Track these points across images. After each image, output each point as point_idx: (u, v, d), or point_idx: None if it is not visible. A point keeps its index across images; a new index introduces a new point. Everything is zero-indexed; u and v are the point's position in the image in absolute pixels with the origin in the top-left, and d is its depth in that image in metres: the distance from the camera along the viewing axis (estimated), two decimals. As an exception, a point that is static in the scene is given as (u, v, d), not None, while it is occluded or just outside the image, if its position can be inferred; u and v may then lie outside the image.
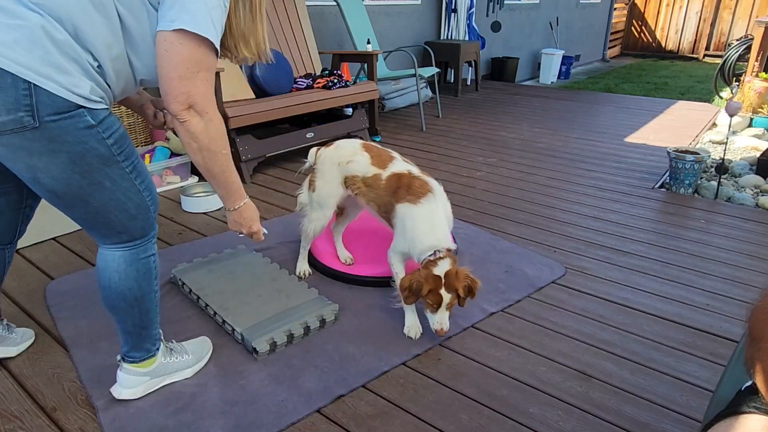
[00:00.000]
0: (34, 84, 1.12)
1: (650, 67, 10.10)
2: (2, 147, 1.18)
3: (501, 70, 7.43)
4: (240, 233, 1.63)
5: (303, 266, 2.32)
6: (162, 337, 1.64)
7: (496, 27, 7.09)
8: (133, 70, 1.31)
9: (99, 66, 1.23)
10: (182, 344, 1.71)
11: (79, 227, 2.66)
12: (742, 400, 0.78)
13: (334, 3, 4.62)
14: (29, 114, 1.14)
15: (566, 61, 8.29)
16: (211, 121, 1.33)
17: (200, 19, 1.22)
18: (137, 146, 3.47)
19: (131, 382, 1.57)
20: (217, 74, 3.08)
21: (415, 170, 2.02)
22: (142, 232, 1.42)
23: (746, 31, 10.19)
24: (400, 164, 2.03)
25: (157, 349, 1.59)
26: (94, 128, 1.22)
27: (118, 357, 1.58)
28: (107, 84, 1.27)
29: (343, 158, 2.08)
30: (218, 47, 1.28)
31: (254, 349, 1.76)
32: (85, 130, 1.21)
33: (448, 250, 1.84)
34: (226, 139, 1.39)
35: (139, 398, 1.58)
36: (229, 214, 1.57)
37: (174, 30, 1.21)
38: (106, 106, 1.27)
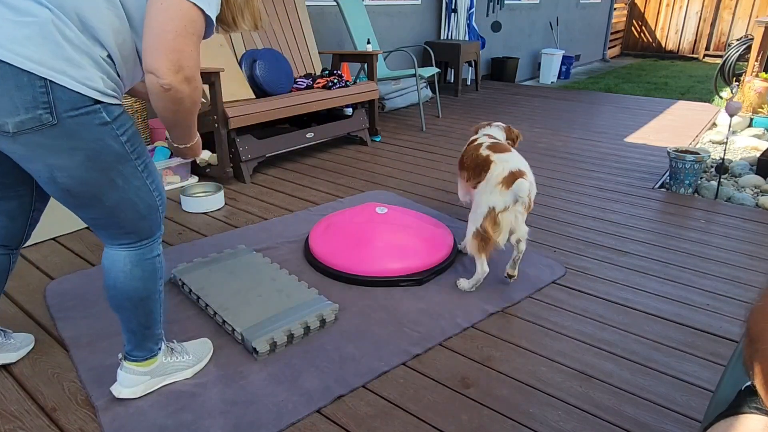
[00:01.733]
0: (50, 80, 1.13)
1: (650, 67, 10.10)
2: (22, 146, 1.18)
3: (501, 70, 7.43)
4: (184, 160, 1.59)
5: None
6: (163, 337, 1.64)
7: (496, 27, 7.09)
8: (138, 54, 1.31)
9: (108, 56, 1.23)
10: (183, 344, 1.71)
11: (80, 227, 2.68)
12: (742, 401, 0.78)
13: (334, 3, 4.62)
14: (47, 111, 1.14)
15: (566, 61, 8.29)
16: (197, 89, 1.29)
17: None
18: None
19: (131, 381, 1.57)
20: (217, 74, 3.08)
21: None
22: (150, 233, 1.43)
23: (746, 31, 10.20)
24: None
25: (159, 348, 1.60)
26: (108, 125, 1.23)
27: (120, 356, 1.58)
28: (117, 74, 1.27)
29: None
30: (213, 19, 1.26)
31: (254, 349, 1.76)
32: (101, 126, 1.22)
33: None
34: None
35: (138, 398, 1.58)
36: (180, 148, 1.48)
37: None
38: (119, 102, 1.28)
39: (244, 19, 1.43)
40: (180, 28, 1.18)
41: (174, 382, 1.65)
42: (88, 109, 1.19)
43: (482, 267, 2.16)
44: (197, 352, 1.73)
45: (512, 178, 2.09)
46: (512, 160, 2.20)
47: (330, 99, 3.83)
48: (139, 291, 1.45)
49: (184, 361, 1.67)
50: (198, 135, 1.50)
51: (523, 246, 2.17)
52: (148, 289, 1.47)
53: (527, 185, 2.06)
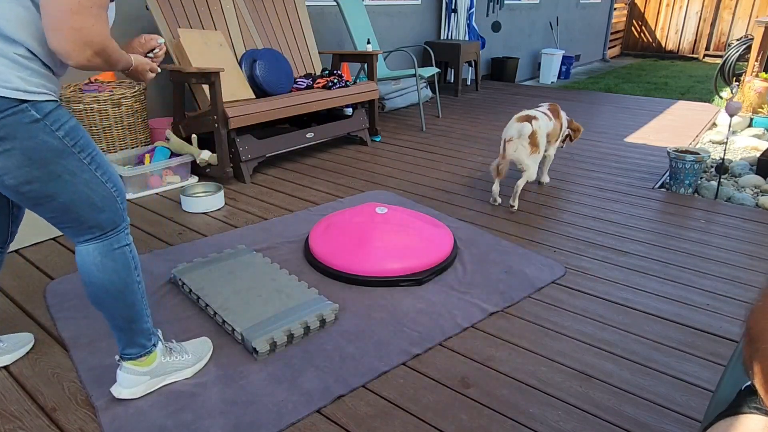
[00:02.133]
0: None
1: (650, 67, 10.10)
2: None
3: (501, 70, 7.43)
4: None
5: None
6: (161, 336, 1.64)
7: (496, 27, 7.09)
8: None
9: (29, 50, 1.19)
10: (182, 344, 1.71)
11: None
12: (742, 401, 0.78)
13: (334, 3, 4.62)
14: None
15: (566, 61, 8.28)
16: (111, 54, 1.24)
17: None
18: (137, 146, 3.47)
19: (131, 382, 1.57)
20: (217, 74, 3.08)
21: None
22: (113, 224, 1.42)
23: (746, 31, 10.20)
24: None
25: (153, 344, 1.59)
26: (40, 122, 1.22)
27: (117, 357, 1.58)
28: (46, 66, 1.24)
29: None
30: None
31: (254, 349, 1.76)
32: (32, 124, 1.21)
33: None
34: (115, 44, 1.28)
35: (138, 398, 1.58)
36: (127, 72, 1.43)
37: None
38: (52, 98, 1.26)
39: None
40: (75, 5, 1.13)
41: (174, 382, 1.65)
42: (13, 110, 1.18)
43: (495, 186, 3.10)
44: (197, 352, 1.73)
45: (523, 119, 2.90)
46: (532, 110, 3.02)
47: (330, 99, 3.83)
48: (115, 283, 1.45)
49: (184, 360, 1.67)
50: (135, 58, 1.40)
51: (527, 174, 2.97)
52: (124, 280, 1.46)
53: (528, 126, 2.84)
